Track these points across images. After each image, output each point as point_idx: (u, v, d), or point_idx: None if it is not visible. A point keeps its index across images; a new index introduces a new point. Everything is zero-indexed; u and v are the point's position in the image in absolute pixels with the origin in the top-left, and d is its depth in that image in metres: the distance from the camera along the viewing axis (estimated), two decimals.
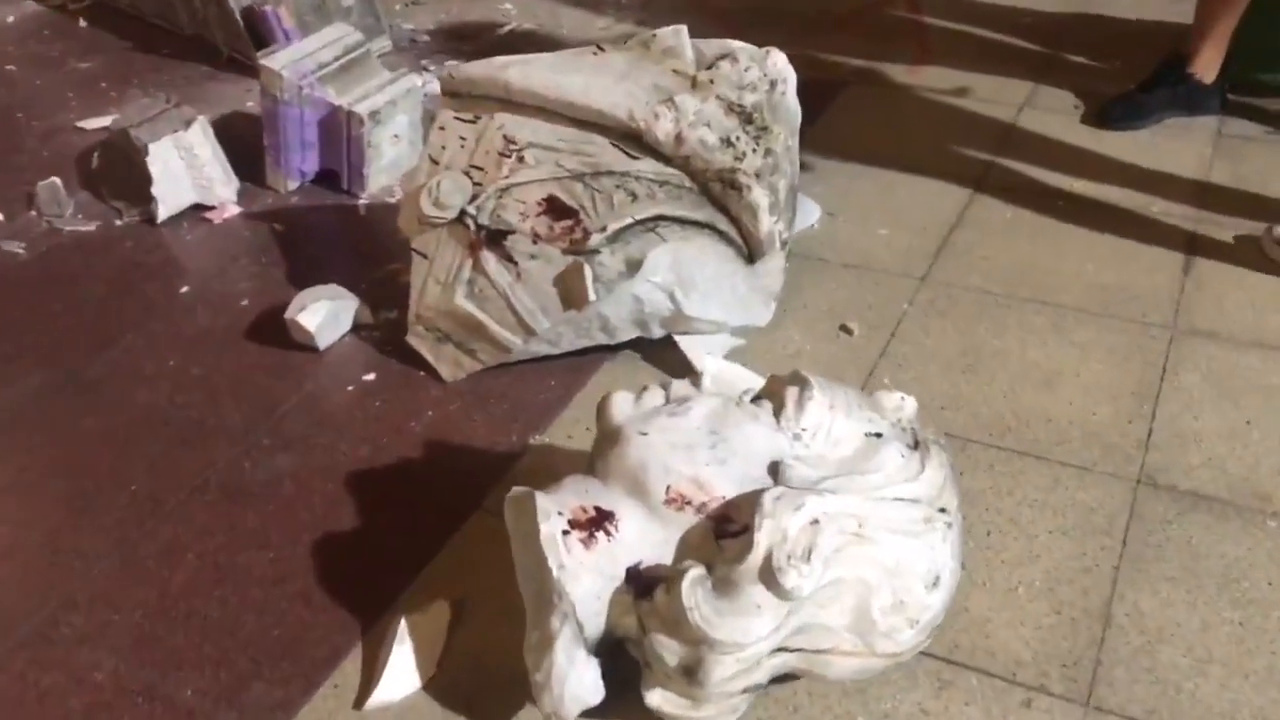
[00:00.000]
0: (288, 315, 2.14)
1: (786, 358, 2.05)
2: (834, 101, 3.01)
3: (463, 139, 2.07)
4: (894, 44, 3.34)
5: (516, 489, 1.33)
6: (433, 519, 1.74)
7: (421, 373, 2.08)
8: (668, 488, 1.28)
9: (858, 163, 2.69)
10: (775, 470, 1.30)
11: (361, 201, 2.70)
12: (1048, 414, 1.87)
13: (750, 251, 2.01)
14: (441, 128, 2.10)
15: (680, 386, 1.45)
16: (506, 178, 1.99)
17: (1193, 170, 2.59)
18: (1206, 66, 2.73)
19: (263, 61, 2.58)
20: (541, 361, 2.06)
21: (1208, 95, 2.76)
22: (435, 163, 2.08)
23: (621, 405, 1.40)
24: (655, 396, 1.42)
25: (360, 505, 1.79)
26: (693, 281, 1.97)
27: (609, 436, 1.37)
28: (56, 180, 2.79)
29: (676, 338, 2.05)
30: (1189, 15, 2.77)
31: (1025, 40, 3.34)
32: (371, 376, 2.09)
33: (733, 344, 2.07)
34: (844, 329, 2.12)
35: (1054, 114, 2.88)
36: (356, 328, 2.21)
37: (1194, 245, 2.32)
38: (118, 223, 2.68)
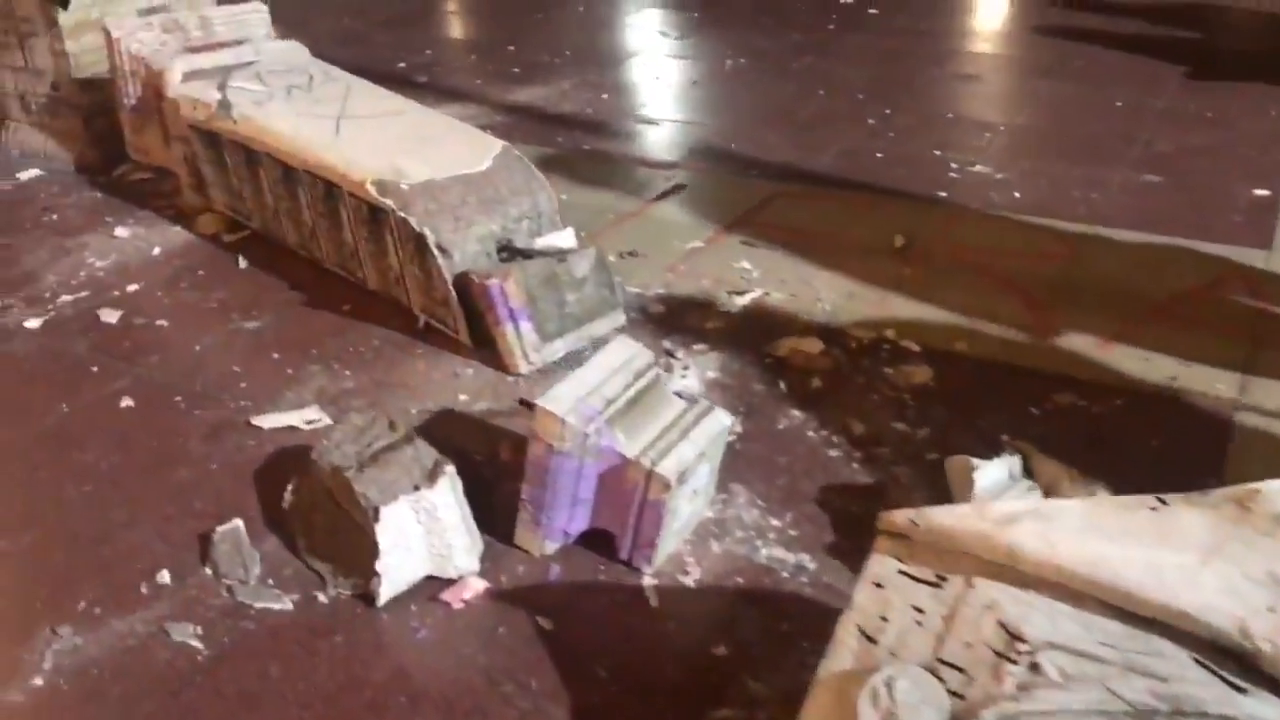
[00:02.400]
0: None
1: None
2: None
3: (919, 611, 1.37)
4: None
5: None
6: None
7: None
8: None
9: None
10: None
11: (647, 579, 2.00)
12: None
13: None
14: (878, 584, 1.41)
15: None
16: (1014, 700, 1.27)
17: None
18: None
19: (545, 405, 1.92)
20: None
21: None
22: (869, 640, 1.38)
23: None
24: None
25: None
26: None
27: None
28: (239, 526, 2.13)
29: None
30: None
31: None
32: None
33: None
34: None
35: None
36: None
37: None
38: (322, 598, 2.00)
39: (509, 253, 2.85)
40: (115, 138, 4.15)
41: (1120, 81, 4.64)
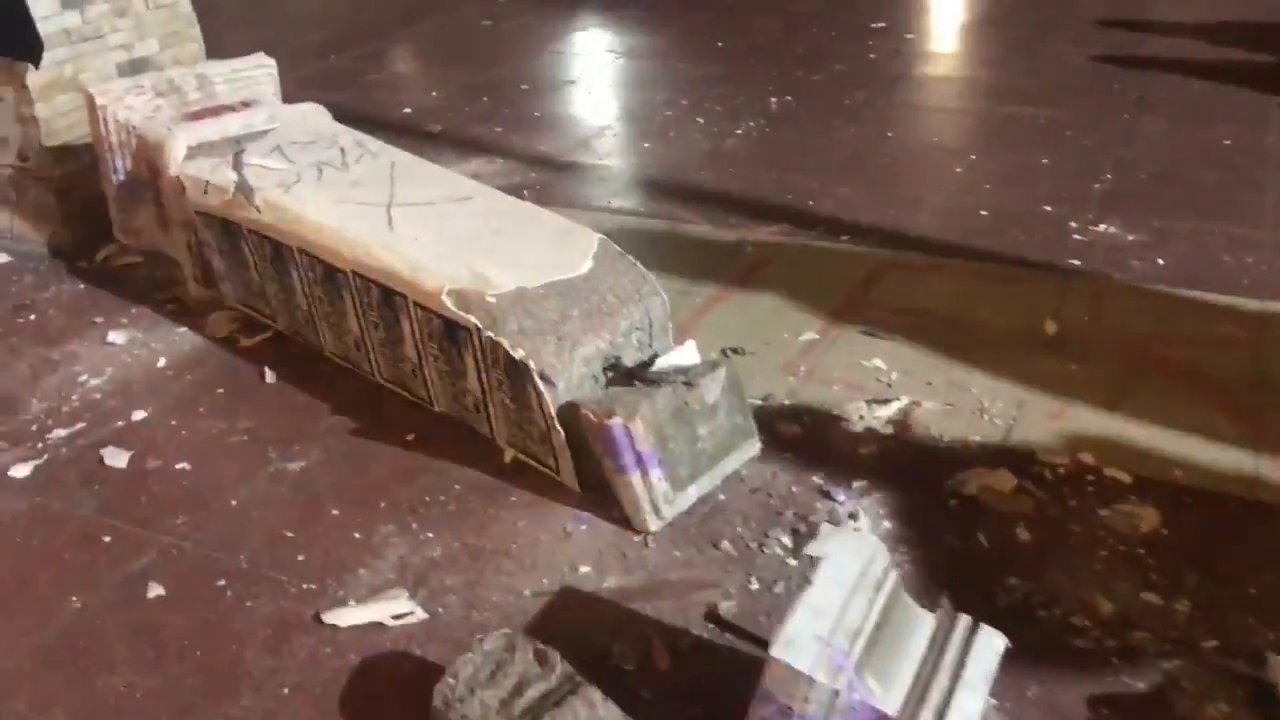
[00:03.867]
0: None
1: None
2: None
3: None
4: None
5: None
6: None
7: None
8: None
9: None
10: None
11: None
12: None
13: None
14: None
15: None
16: None
17: None
18: None
19: (782, 658, 1.41)
20: None
21: None
22: None
23: None
24: None
25: None
26: None
27: None
28: None
29: None
30: None
31: None
32: None
33: None
34: None
35: None
36: None
37: None
38: None
39: (617, 373, 2.33)
40: (95, 214, 3.55)
41: (1218, 116, 4.21)
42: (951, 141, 4.28)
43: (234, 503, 2.33)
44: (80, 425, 2.64)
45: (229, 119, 3.12)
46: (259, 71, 3.39)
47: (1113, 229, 3.34)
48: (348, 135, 3.03)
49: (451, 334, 2.34)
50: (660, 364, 2.32)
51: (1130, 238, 3.29)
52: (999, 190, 3.70)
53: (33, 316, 3.18)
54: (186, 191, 2.89)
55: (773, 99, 4.75)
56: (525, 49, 5.81)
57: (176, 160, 2.94)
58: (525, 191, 3.87)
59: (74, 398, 2.76)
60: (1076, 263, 3.16)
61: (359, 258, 2.49)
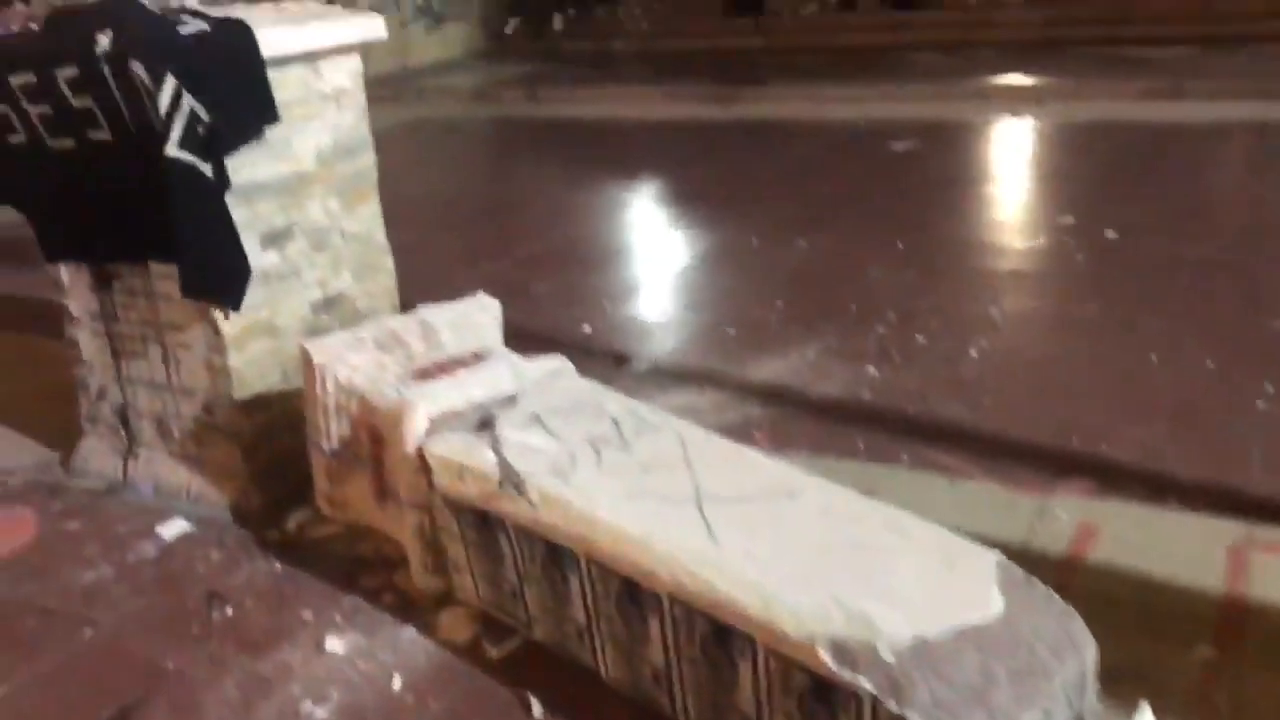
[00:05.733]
0: None
1: None
2: None
3: None
4: None
5: None
6: None
7: None
8: None
9: None
10: None
11: None
12: None
13: None
14: None
15: None
16: None
17: None
18: None
19: None
20: None
21: None
22: None
23: None
24: None
25: None
26: None
27: None
28: None
29: None
30: None
31: None
32: None
33: None
34: None
35: None
36: None
37: None
38: None
39: None
40: (284, 472, 3.14)
41: None
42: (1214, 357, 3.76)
43: None
44: None
45: (466, 378, 2.70)
46: (484, 315, 3.00)
47: None
48: (614, 400, 2.58)
49: (822, 694, 1.81)
50: None
51: None
52: None
53: (229, 610, 2.70)
54: (435, 477, 2.44)
55: (992, 307, 4.30)
56: (716, 248, 5.46)
57: (417, 434, 2.50)
58: (755, 432, 3.41)
59: None
60: None
61: (679, 580, 1.99)
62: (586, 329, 4.50)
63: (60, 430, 3.59)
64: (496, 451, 2.37)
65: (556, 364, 2.77)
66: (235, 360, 3.09)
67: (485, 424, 2.50)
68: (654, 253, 5.66)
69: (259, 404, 3.16)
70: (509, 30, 12.40)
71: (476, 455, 2.38)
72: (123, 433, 3.37)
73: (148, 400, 3.30)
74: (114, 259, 3.17)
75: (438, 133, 9.72)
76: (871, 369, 3.85)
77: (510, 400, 2.60)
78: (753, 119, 8.73)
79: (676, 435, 2.41)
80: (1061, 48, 9.83)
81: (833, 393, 3.70)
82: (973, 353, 3.90)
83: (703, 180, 6.99)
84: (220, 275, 2.98)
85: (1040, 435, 3.28)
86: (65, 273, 3.30)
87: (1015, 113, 8.03)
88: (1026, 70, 9.04)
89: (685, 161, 7.59)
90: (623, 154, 8.23)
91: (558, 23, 12.08)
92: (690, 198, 6.49)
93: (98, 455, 3.44)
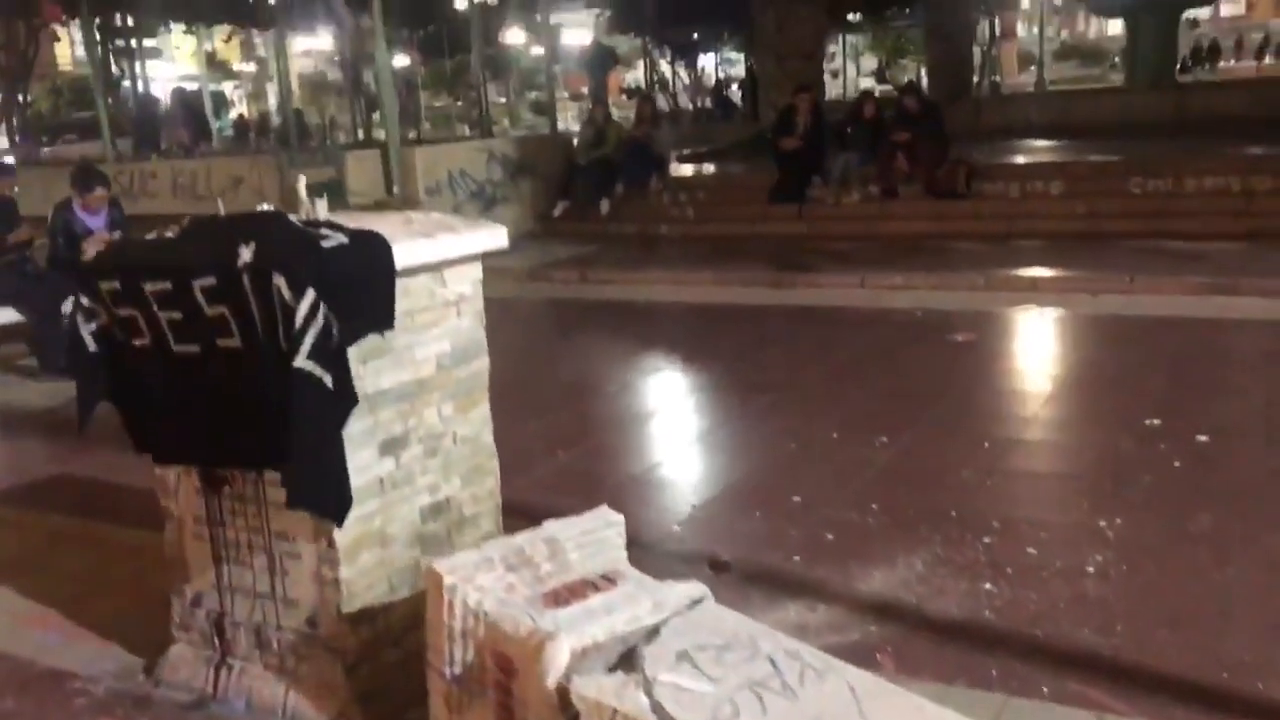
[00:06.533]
0: None
1: None
2: None
3: None
4: None
5: None
6: None
7: None
8: None
9: None
10: None
11: None
12: None
13: None
14: None
15: None
16: None
17: None
18: None
19: None
20: None
21: None
22: None
23: None
24: None
25: None
26: None
27: None
28: None
29: None
30: None
31: None
32: None
33: None
34: None
35: None
36: None
37: None
38: None
39: None
40: (387, 694, 2.98)
41: None
42: None
43: None
44: None
45: (596, 602, 2.57)
46: (610, 531, 2.89)
47: None
48: (766, 637, 2.44)
49: None
50: None
51: None
52: None
53: None
54: (580, 717, 2.28)
55: (1099, 518, 4.16)
56: (795, 442, 5.38)
57: (558, 669, 2.36)
58: (878, 655, 3.23)
59: None
60: None
61: None
62: (676, 529, 4.38)
63: (143, 634, 3.45)
64: (650, 696, 2.22)
65: (695, 590, 2.64)
66: (346, 572, 2.97)
67: (628, 660, 2.35)
68: (732, 445, 5.57)
69: (365, 617, 3.03)
70: (557, 213, 12.71)
71: (629, 699, 2.22)
72: (217, 642, 3.23)
73: (247, 609, 3.17)
74: (225, 464, 3.11)
75: (495, 312, 9.83)
76: (988, 585, 3.69)
77: (653, 632, 2.46)
78: (804, 305, 8.80)
79: (845, 683, 2.25)
80: (1104, 240, 9.96)
81: (951, 610, 3.54)
82: (1090, 569, 3.75)
83: (765, 367, 6.98)
84: (331, 487, 2.90)
85: (1184, 668, 3.09)
86: (172, 474, 3.24)
87: (1068, 305, 8.07)
88: (1074, 262, 9.14)
89: (743, 348, 7.59)
90: (679, 338, 8.28)
91: (604, 206, 12.39)
92: (756, 387, 6.44)
93: (187, 664, 3.29)
